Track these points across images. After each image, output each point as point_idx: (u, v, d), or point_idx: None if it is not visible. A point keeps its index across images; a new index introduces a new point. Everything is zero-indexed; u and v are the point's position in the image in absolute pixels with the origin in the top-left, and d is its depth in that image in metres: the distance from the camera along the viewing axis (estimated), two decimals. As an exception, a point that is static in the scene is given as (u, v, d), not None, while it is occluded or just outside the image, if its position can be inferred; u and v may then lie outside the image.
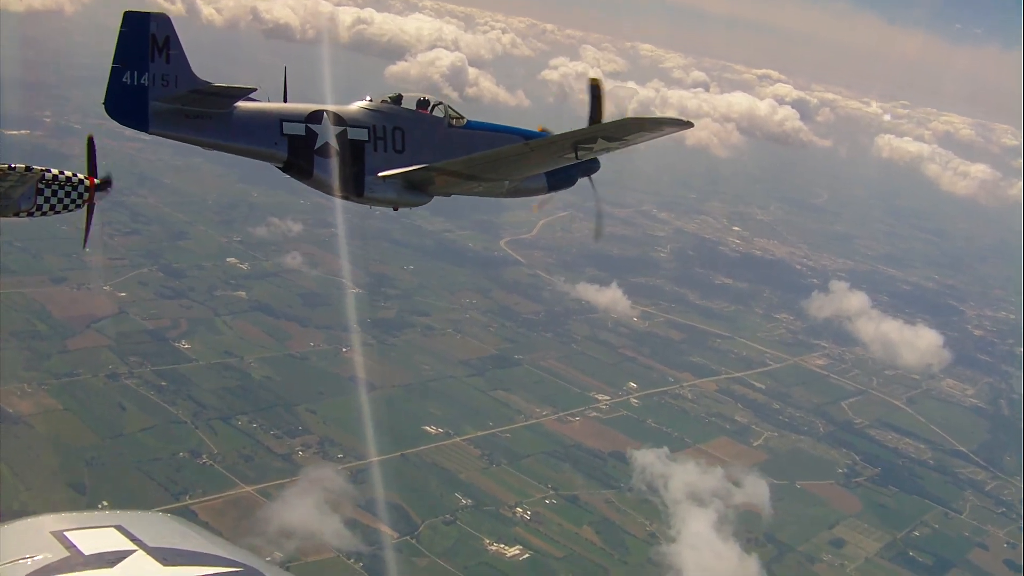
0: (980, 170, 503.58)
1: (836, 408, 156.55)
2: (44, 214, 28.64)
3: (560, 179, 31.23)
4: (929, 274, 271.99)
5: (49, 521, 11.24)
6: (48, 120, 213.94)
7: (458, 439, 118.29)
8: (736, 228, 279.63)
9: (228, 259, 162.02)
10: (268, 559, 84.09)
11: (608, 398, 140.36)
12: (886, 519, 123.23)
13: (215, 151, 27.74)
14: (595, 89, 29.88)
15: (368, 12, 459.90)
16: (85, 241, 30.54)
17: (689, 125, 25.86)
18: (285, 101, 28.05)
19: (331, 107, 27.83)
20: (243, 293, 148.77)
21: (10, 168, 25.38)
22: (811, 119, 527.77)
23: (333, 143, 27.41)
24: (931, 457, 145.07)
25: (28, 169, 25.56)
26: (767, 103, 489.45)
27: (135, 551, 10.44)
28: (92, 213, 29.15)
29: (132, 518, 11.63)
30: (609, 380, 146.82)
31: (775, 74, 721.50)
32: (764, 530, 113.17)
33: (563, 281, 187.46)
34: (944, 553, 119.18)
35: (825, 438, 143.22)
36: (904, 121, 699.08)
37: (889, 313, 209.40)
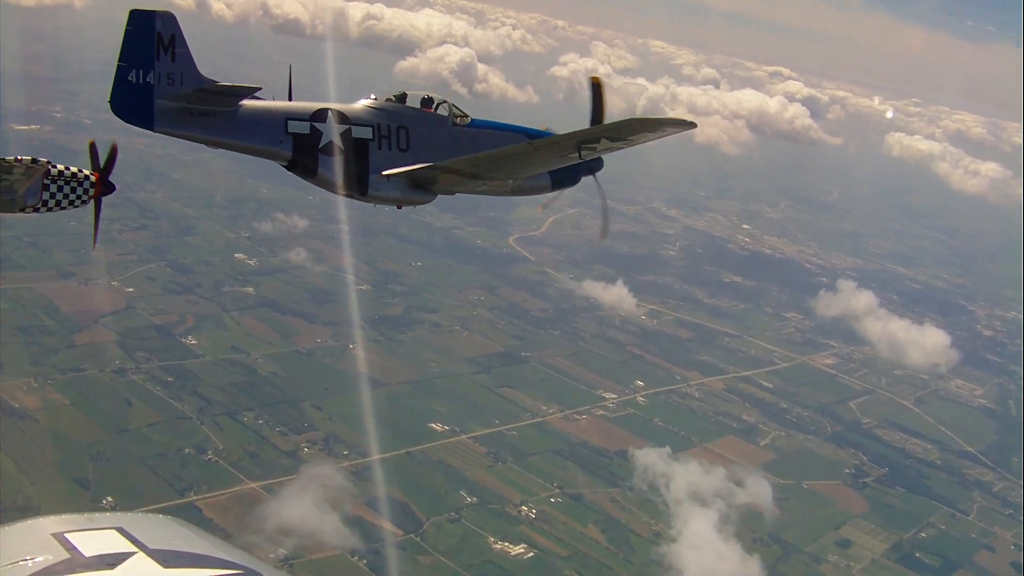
0: (991, 168, 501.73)
1: (844, 408, 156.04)
2: (50, 210, 28.66)
3: (564, 178, 31.21)
4: (939, 273, 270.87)
5: (49, 523, 11.30)
6: (58, 115, 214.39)
7: (464, 437, 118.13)
8: (745, 226, 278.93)
9: (236, 255, 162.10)
10: (272, 555, 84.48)
11: (615, 396, 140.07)
12: (893, 520, 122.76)
13: (221, 149, 27.74)
14: (596, 88, 30.06)
15: (378, 8, 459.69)
16: (95, 240, 30.69)
17: (692, 126, 25.76)
18: (290, 99, 28.08)
19: (335, 105, 27.87)
20: (251, 289, 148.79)
21: (16, 160, 25.41)
22: (821, 117, 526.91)
23: (337, 141, 27.41)
24: (939, 458, 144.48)
25: (34, 161, 25.62)
26: (777, 100, 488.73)
27: (135, 553, 10.52)
28: (100, 211, 29.22)
29: (132, 520, 11.70)
30: (616, 378, 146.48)
31: (786, 71, 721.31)
32: (769, 530, 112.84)
33: (571, 278, 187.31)
34: (951, 555, 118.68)
35: (832, 438, 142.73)
36: (915, 119, 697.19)
37: (898, 312, 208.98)
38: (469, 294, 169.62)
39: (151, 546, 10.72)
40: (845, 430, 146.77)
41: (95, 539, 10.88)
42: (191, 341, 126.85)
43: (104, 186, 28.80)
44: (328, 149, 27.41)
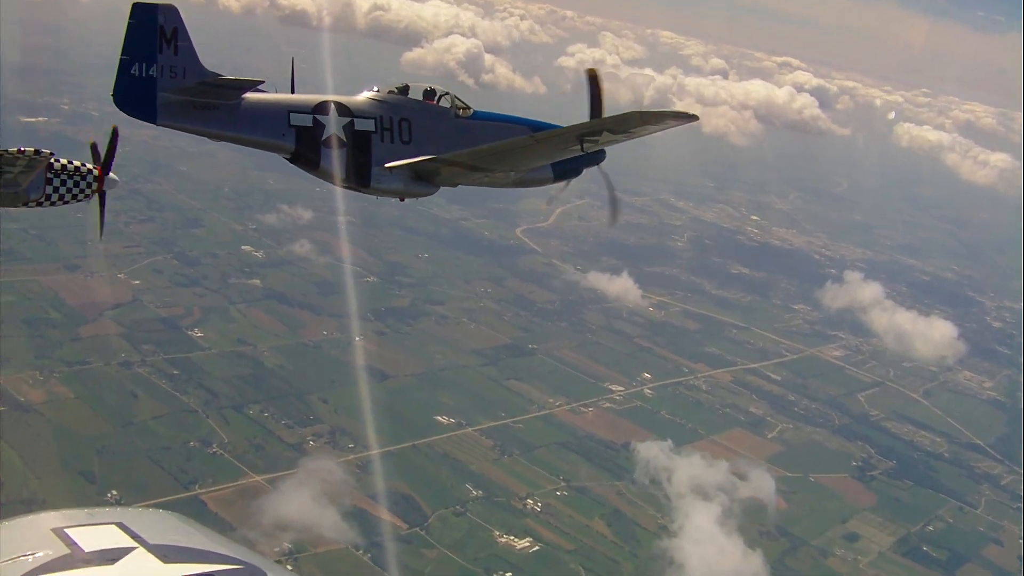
0: (1000, 159, 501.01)
1: (852, 400, 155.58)
2: (53, 204, 28.89)
3: (566, 170, 31.20)
4: (948, 264, 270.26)
5: (49, 518, 11.25)
6: (65, 107, 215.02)
7: (470, 429, 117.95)
8: (754, 217, 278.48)
9: (243, 247, 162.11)
10: (276, 549, 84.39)
11: (622, 389, 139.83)
12: (900, 513, 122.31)
13: (224, 142, 27.84)
14: (593, 79, 29.68)
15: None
16: (100, 231, 30.77)
17: (694, 118, 25.41)
18: (293, 92, 28.16)
19: (338, 98, 27.90)
20: (257, 281, 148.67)
21: (19, 152, 25.43)
22: (831, 107, 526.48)
23: (340, 134, 27.50)
24: (947, 450, 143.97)
25: (37, 153, 25.91)
26: (785, 91, 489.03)
27: (135, 548, 10.46)
28: (104, 204, 29.28)
29: (133, 515, 11.62)
30: (624, 370, 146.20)
31: (795, 62, 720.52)
32: (776, 523, 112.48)
33: (578, 270, 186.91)
34: (959, 548, 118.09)
35: (840, 430, 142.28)
36: (924, 109, 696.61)
37: (907, 304, 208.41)
38: (476, 286, 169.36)
39: (151, 541, 10.66)
40: (853, 423, 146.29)
41: (95, 534, 10.84)
42: (197, 334, 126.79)
43: (106, 180, 28.87)
44: (330, 142, 27.44)
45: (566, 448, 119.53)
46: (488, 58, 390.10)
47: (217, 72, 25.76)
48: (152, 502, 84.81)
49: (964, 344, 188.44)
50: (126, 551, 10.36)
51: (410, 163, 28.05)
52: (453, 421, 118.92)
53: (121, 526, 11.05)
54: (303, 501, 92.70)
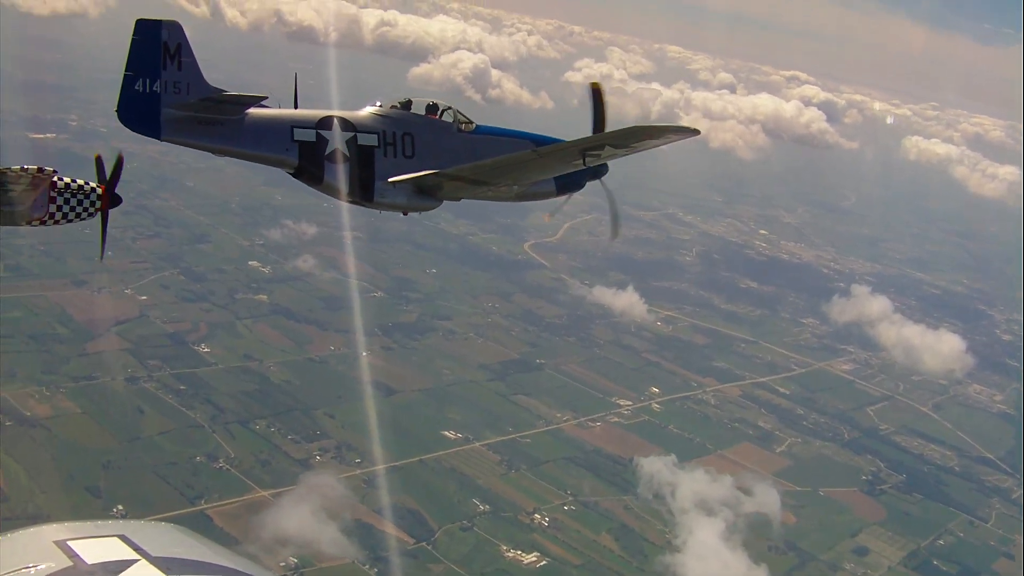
0: (1009, 172, 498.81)
1: (861, 414, 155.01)
2: (56, 223, 28.81)
3: (569, 183, 31.32)
4: (958, 278, 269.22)
5: (52, 530, 11.12)
6: (74, 123, 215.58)
7: (477, 444, 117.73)
8: (763, 231, 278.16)
9: (250, 262, 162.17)
10: (282, 564, 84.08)
11: (630, 403, 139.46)
12: (910, 527, 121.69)
13: (228, 157, 28.08)
14: (596, 94, 29.89)
15: (392, 14, 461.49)
16: (102, 253, 30.78)
17: (695, 133, 25.63)
18: (296, 107, 28.40)
19: (341, 113, 28.08)
20: (264, 296, 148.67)
21: (23, 170, 25.40)
22: (838, 121, 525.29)
23: (343, 149, 27.65)
24: (957, 464, 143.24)
25: (40, 171, 25.77)
26: (793, 104, 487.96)
27: (138, 560, 10.36)
28: (107, 223, 29.21)
29: (135, 527, 11.47)
30: (632, 385, 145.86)
31: (803, 75, 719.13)
32: (785, 538, 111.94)
33: (586, 285, 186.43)
34: (969, 563, 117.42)
35: (850, 444, 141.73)
36: (932, 123, 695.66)
37: (917, 318, 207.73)
38: (484, 301, 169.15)
39: (154, 554, 10.54)
40: (862, 436, 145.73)
41: (98, 547, 10.70)
42: (204, 349, 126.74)
43: (111, 198, 28.84)
44: (334, 156, 27.57)
45: (574, 463, 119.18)
46: (495, 73, 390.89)
47: (221, 88, 25.89)
48: (158, 517, 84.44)
49: (973, 357, 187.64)
50: (129, 563, 10.27)
51: (413, 177, 28.10)
52: (460, 436, 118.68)
53: (124, 538, 10.94)
54: (309, 516, 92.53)
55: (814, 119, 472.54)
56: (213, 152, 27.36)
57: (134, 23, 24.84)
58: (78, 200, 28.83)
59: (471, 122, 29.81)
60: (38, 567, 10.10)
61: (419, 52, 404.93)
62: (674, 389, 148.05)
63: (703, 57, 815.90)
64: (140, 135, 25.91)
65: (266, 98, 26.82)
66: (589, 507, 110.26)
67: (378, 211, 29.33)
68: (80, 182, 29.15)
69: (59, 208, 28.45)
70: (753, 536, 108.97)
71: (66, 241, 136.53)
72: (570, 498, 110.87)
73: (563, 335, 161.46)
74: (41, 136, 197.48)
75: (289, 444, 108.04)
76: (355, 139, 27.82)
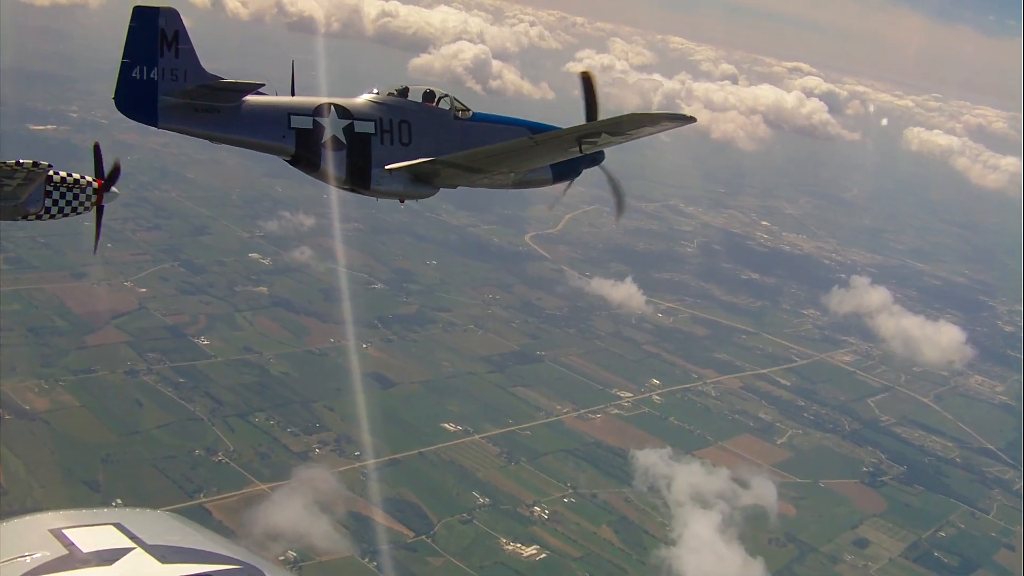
0: (1011, 163, 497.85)
1: (862, 405, 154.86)
2: (52, 217, 28.97)
3: (565, 170, 31.42)
4: (959, 269, 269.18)
5: (47, 519, 11.32)
6: (74, 115, 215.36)
7: (477, 437, 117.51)
8: (764, 223, 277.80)
9: (250, 254, 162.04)
10: (281, 557, 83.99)
11: (631, 395, 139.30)
12: (911, 519, 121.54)
13: (224, 144, 28.25)
14: (587, 82, 29.87)
15: (393, 5, 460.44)
16: (96, 246, 30.82)
17: (691, 120, 25.77)
18: (293, 95, 28.41)
19: (338, 100, 28.11)
20: (264, 288, 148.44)
21: (18, 164, 25.38)
22: (841, 112, 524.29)
23: (340, 136, 27.70)
24: (958, 455, 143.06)
25: (35, 165, 25.90)
26: (794, 95, 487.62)
27: (133, 549, 10.52)
28: (101, 217, 29.25)
29: (130, 516, 11.68)
30: (632, 377, 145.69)
31: (805, 67, 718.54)
32: (785, 530, 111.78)
33: (587, 276, 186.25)
34: (970, 554, 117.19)
35: (850, 436, 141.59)
36: (935, 114, 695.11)
37: (918, 309, 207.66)
38: (484, 292, 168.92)
39: (149, 542, 10.69)
40: (863, 428, 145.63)
41: (93, 535, 10.85)
42: (203, 342, 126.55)
43: (106, 193, 28.86)
44: (331, 144, 27.61)
45: (573, 455, 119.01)
46: (496, 64, 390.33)
47: (218, 75, 25.90)
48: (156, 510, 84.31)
49: (972, 348, 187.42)
50: (124, 552, 10.40)
51: (410, 165, 28.17)
52: (460, 428, 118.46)
53: (119, 526, 11.07)
54: (308, 509, 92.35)
55: (815, 110, 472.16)
56: (210, 139, 27.37)
57: (131, 10, 24.82)
58: (74, 194, 28.90)
59: (468, 109, 29.82)
60: (33, 555, 10.21)
61: (420, 43, 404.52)
62: (674, 381, 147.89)
63: (706, 48, 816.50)
64: (138, 123, 25.93)
65: (263, 85, 26.80)
66: (589, 499, 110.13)
67: (375, 198, 29.45)
68: (76, 176, 29.17)
69: (55, 202, 28.56)
70: (752, 528, 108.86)
71: (66, 234, 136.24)
72: (570, 490, 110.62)
73: (563, 327, 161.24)
74: (41, 127, 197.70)
75: (288, 437, 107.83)
76: (352, 126, 27.87)
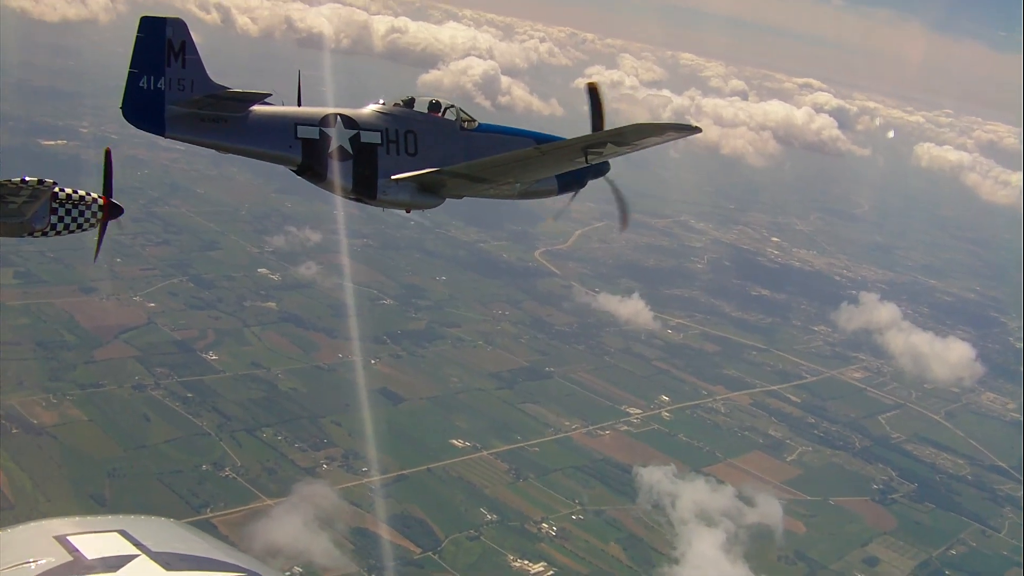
0: (1021, 179, 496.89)
1: (873, 422, 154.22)
2: (58, 233, 29.00)
3: (571, 181, 31.39)
4: (971, 285, 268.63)
5: (52, 525, 11.38)
6: (85, 130, 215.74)
7: (485, 453, 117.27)
8: (775, 239, 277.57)
9: (259, 269, 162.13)
10: (287, 573, 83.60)
11: (640, 412, 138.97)
12: (921, 537, 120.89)
13: (232, 155, 28.08)
14: (593, 93, 30.06)
15: (402, 21, 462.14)
16: (96, 255, 30.74)
17: (696, 130, 25.88)
18: (299, 105, 28.47)
19: (344, 111, 28.11)
20: (273, 304, 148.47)
21: (23, 182, 25.38)
22: (851, 128, 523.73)
23: (346, 146, 27.72)
24: (969, 473, 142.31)
25: (40, 182, 25.95)
26: (804, 111, 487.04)
27: (138, 556, 10.54)
28: (105, 231, 29.20)
29: (135, 523, 11.72)
30: (641, 393, 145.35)
31: (816, 83, 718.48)
32: (795, 547, 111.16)
33: (595, 292, 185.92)
34: (981, 572, 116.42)
35: (861, 453, 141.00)
36: (945, 130, 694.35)
37: (930, 325, 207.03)
38: (493, 308, 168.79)
39: (154, 549, 10.72)
40: (874, 445, 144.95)
41: (97, 542, 10.89)
42: (212, 357, 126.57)
43: (112, 208, 28.92)
44: (337, 154, 27.59)
45: (582, 472, 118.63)
46: (505, 80, 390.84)
47: (225, 85, 25.85)
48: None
49: (983, 365, 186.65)
50: (128, 559, 10.42)
51: (416, 175, 28.15)
52: (468, 444, 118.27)
53: (123, 533, 11.09)
54: (314, 525, 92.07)
55: (825, 126, 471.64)
56: (217, 149, 27.48)
57: (139, 20, 24.87)
58: (79, 211, 28.95)
59: (473, 120, 29.84)
60: (38, 562, 10.25)
61: (429, 59, 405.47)
62: (684, 397, 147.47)
63: (716, 64, 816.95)
64: (146, 133, 25.88)
65: (270, 95, 26.68)
66: (597, 516, 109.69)
67: (381, 208, 29.40)
68: (81, 193, 29.19)
69: (60, 219, 28.60)
70: (761, 546, 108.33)
71: (75, 248, 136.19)
72: (578, 507, 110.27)
73: (573, 343, 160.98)
74: (52, 142, 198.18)
75: (296, 452, 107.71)
76: (358, 136, 27.84)
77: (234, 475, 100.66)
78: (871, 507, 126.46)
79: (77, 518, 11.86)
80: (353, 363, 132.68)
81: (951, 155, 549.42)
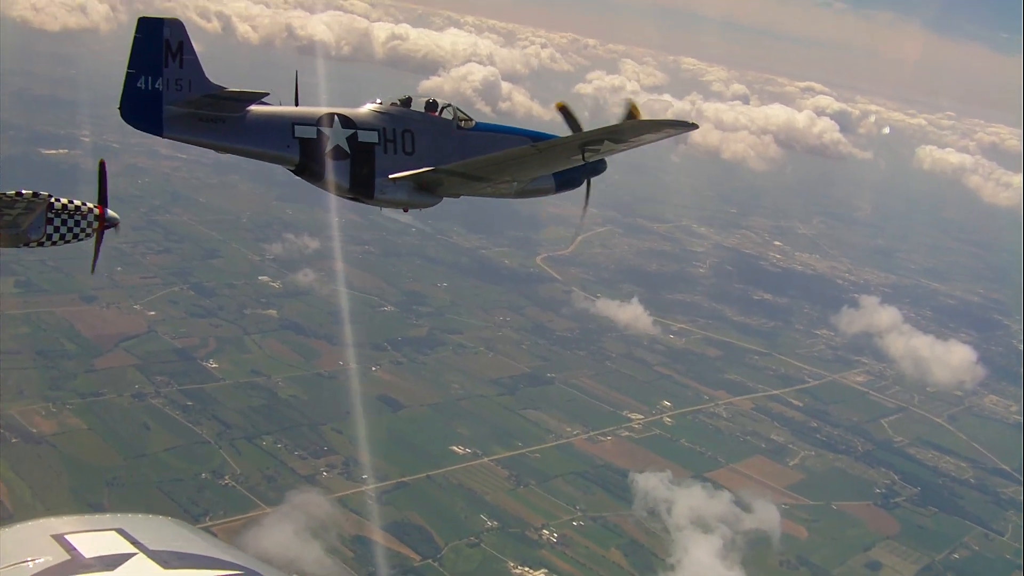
0: (1023, 181, 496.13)
1: (875, 426, 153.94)
2: (54, 244, 29.03)
3: (567, 180, 31.48)
4: (973, 288, 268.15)
5: (50, 524, 11.54)
6: (86, 139, 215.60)
7: (486, 459, 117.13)
8: (777, 243, 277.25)
9: (260, 277, 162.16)
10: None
11: (641, 417, 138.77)
12: (924, 541, 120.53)
13: (229, 154, 28.33)
14: (565, 112, 29.69)
15: (403, 28, 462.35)
16: (93, 267, 30.78)
17: (693, 127, 26.44)
18: (296, 105, 28.52)
19: (342, 110, 28.29)
20: (274, 311, 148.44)
21: (18, 194, 25.42)
22: (852, 131, 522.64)
23: (344, 145, 27.85)
24: (972, 476, 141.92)
25: (35, 195, 25.80)
26: (805, 115, 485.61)
27: (136, 554, 10.63)
28: (101, 241, 29.24)
29: (133, 521, 11.82)
30: (643, 398, 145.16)
31: (818, 86, 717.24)
32: (797, 552, 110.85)
33: (596, 297, 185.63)
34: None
35: (863, 457, 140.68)
36: (947, 132, 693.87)
37: (933, 328, 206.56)
38: (495, 314, 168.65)
39: (151, 547, 10.81)
40: (876, 449, 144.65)
41: (95, 540, 10.99)
42: (212, 365, 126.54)
43: (107, 220, 28.96)
44: (335, 153, 27.71)
45: (583, 478, 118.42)
46: (506, 86, 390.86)
47: (222, 86, 25.97)
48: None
49: (984, 368, 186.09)
50: (126, 557, 10.51)
51: (414, 174, 28.24)
52: (469, 451, 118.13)
53: (121, 532, 11.18)
54: (312, 533, 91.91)
55: (826, 129, 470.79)
56: (215, 149, 27.70)
57: (136, 21, 25.00)
58: (75, 221, 28.92)
59: (470, 119, 29.96)
60: (36, 560, 10.36)
61: (430, 65, 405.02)
62: (686, 402, 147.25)
63: (717, 69, 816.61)
64: (147, 143, 26.12)
65: (267, 94, 26.78)
66: (598, 522, 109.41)
67: (379, 208, 29.48)
68: (77, 203, 29.19)
69: (56, 229, 28.57)
70: (764, 550, 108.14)
71: (76, 257, 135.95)
72: (579, 513, 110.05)
73: (574, 348, 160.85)
74: (53, 151, 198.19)
75: (296, 460, 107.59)
76: (356, 136, 27.91)
77: (234, 483, 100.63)
78: (873, 511, 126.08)
79: (75, 517, 11.95)
80: (354, 370, 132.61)
81: (953, 157, 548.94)
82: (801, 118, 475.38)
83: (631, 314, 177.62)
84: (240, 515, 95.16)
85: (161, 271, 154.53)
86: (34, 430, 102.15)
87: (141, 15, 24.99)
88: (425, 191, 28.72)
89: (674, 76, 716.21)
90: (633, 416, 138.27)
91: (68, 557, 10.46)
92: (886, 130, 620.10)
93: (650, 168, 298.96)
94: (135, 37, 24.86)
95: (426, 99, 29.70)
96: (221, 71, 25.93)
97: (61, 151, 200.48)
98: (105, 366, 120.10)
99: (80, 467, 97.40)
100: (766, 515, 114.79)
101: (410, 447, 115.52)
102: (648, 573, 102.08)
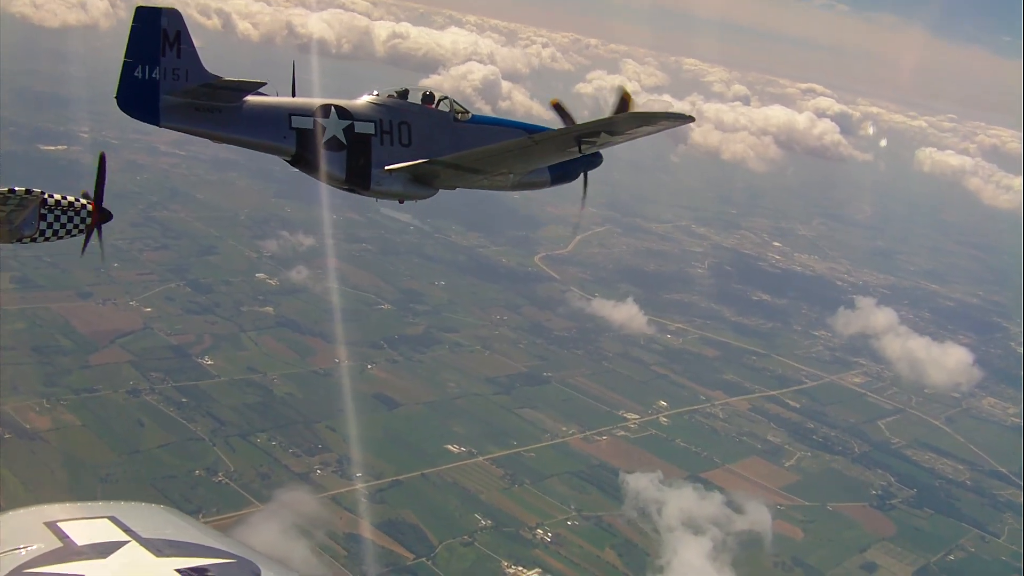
0: (1023, 183, 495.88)
1: (872, 427, 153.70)
2: (47, 239, 29.23)
3: (563, 173, 31.55)
4: (973, 290, 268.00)
5: (43, 511, 11.55)
6: (85, 135, 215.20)
7: (481, 458, 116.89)
8: (776, 244, 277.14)
9: (257, 274, 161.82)
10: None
11: (638, 417, 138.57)
12: (920, 542, 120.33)
13: (225, 144, 28.44)
14: (559, 109, 29.77)
15: (404, 27, 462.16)
16: (83, 249, 30.79)
17: (689, 119, 26.13)
18: (293, 96, 28.68)
19: (338, 101, 28.37)
20: (270, 309, 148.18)
21: (11, 191, 25.41)
22: (853, 133, 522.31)
23: (340, 136, 27.95)
24: (969, 478, 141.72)
25: (28, 192, 26.18)
26: (806, 116, 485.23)
27: (128, 542, 10.62)
28: (91, 235, 29.23)
29: (126, 509, 11.84)
30: (639, 398, 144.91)
31: (819, 88, 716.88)
32: (793, 554, 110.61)
33: (593, 297, 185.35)
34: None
35: (860, 458, 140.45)
36: (948, 135, 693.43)
37: (932, 330, 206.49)
38: (492, 313, 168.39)
39: (144, 535, 10.81)
40: (873, 450, 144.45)
41: (88, 528, 11.00)
42: (207, 362, 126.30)
43: (101, 213, 28.97)
44: (331, 144, 27.79)
45: (578, 477, 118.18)
46: (506, 85, 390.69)
47: (220, 75, 26.04)
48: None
49: (981, 370, 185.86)
50: (119, 545, 10.51)
51: (410, 165, 28.31)
52: (464, 450, 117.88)
53: (114, 520, 11.21)
54: (304, 530, 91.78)
55: (827, 131, 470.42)
56: (211, 139, 27.50)
57: (134, 10, 25.00)
58: (68, 217, 29.00)
59: (467, 111, 29.97)
60: (28, 548, 10.36)
61: (430, 64, 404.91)
62: (682, 402, 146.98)
63: (718, 69, 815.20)
64: (147, 139, 25.95)
65: (264, 84, 26.92)
66: (593, 522, 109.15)
67: (375, 199, 29.52)
68: (70, 199, 29.30)
69: (49, 225, 28.67)
70: (755, 552, 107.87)
71: (72, 253, 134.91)
72: (573, 513, 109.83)
73: (571, 348, 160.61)
74: (52, 148, 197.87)
75: (290, 458, 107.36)
76: (352, 127, 27.97)
77: (227, 480, 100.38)
78: (870, 513, 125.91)
79: (68, 504, 11.95)
80: (349, 368, 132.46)
81: (953, 160, 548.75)
82: (802, 119, 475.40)
83: (628, 314, 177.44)
84: (234, 512, 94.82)
85: (158, 267, 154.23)
86: (28, 426, 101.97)
87: (138, 5, 25.01)
88: (421, 183, 28.84)
89: (675, 76, 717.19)
90: (629, 416, 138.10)
91: (60, 544, 10.45)
92: (883, 143, 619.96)
93: (649, 168, 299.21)
94: (133, 26, 24.98)
95: (423, 91, 29.70)
96: (221, 68, 26.02)
97: (61, 147, 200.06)
98: (100, 362, 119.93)
99: (74, 463, 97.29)
100: (758, 516, 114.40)
101: (405, 445, 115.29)
102: (642, 573, 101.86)
